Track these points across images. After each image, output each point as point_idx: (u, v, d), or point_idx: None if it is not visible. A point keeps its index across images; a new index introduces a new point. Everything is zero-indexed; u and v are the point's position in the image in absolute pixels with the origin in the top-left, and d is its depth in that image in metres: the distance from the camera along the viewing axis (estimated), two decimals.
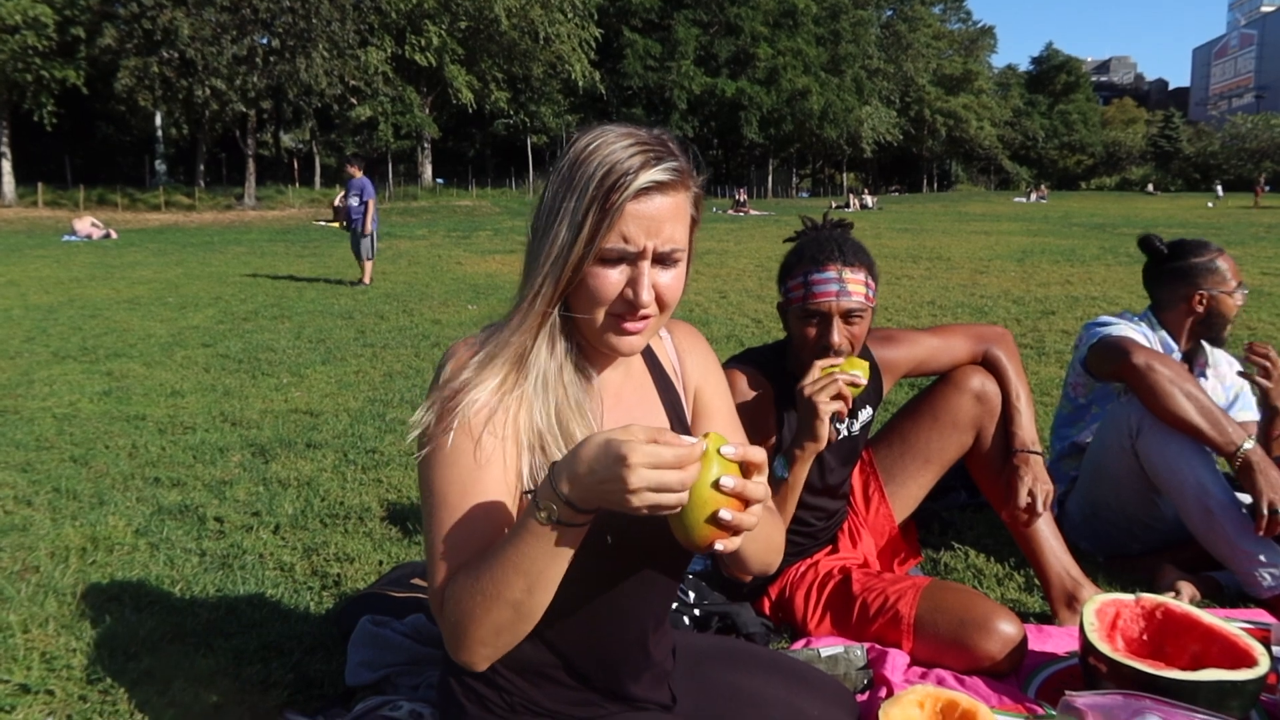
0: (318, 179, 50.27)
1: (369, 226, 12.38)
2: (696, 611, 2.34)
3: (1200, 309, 2.94)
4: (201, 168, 44.24)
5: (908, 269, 13.33)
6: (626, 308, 1.27)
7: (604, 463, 1.07)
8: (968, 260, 14.61)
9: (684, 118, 58.94)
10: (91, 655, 2.37)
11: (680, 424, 1.50)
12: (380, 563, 2.98)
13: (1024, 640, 2.13)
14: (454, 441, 1.27)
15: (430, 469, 1.28)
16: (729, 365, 2.30)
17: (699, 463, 1.09)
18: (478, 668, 1.26)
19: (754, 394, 2.28)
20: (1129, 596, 2.09)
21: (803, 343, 2.20)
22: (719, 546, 1.12)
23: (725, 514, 1.10)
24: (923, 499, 2.69)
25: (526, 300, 1.28)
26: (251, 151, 42.48)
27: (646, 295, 1.25)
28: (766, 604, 2.46)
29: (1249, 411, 3.07)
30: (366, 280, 12.24)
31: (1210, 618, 1.99)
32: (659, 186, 1.24)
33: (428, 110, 48.34)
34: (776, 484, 2.11)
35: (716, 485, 1.10)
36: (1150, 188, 74.46)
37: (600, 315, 1.28)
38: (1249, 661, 1.84)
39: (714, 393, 1.58)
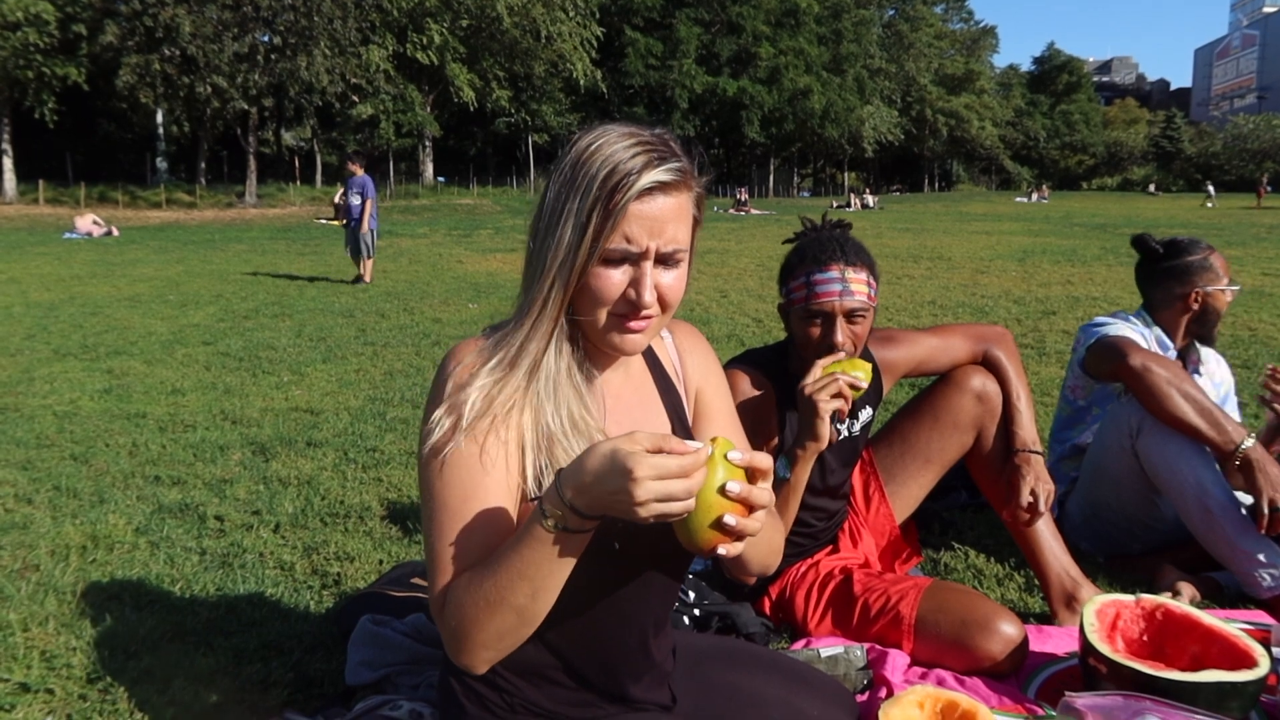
0: (319, 177, 50.24)
1: (366, 224, 12.38)
2: (696, 611, 2.34)
3: (1195, 306, 2.96)
4: (203, 165, 44.26)
5: (909, 269, 13.33)
6: (629, 308, 1.27)
7: (610, 475, 1.07)
8: (969, 260, 14.61)
9: (685, 117, 58.89)
10: (91, 654, 2.37)
11: (681, 424, 1.50)
12: (380, 562, 2.98)
13: (1025, 641, 2.13)
14: (457, 446, 1.27)
15: (431, 472, 1.28)
16: (730, 366, 2.30)
17: (704, 469, 1.09)
18: (478, 671, 1.26)
19: (755, 395, 2.28)
20: (1129, 597, 2.09)
21: (805, 343, 2.20)
22: (722, 551, 1.12)
23: (730, 519, 1.10)
24: (923, 499, 2.69)
25: (536, 305, 1.27)
26: (253, 149, 42.47)
27: (649, 296, 1.25)
28: (767, 604, 2.46)
29: (1234, 412, 3.09)
30: (367, 279, 12.24)
31: (1210, 619, 1.99)
32: (662, 187, 1.24)
33: (429, 108, 48.30)
34: (778, 485, 2.11)
35: (722, 490, 1.10)
36: (1152, 188, 74.37)
37: (603, 316, 1.28)
38: (1249, 663, 1.84)
39: (715, 393, 1.58)
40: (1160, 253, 3.01)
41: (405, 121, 47.38)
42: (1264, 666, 1.82)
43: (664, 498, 1.06)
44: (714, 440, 1.13)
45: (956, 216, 31.91)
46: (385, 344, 7.44)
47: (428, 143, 50.41)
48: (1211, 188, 57.23)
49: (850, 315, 2.14)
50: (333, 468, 4.05)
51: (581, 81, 50.09)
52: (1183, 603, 2.11)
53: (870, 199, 46.90)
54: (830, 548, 2.55)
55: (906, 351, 2.51)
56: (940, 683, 2.10)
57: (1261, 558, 2.49)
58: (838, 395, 1.99)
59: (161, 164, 43.57)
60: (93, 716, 2.09)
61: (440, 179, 52.55)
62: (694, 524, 1.11)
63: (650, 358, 1.52)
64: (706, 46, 61.01)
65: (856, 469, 2.61)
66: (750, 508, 1.12)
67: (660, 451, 1.08)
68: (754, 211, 37.55)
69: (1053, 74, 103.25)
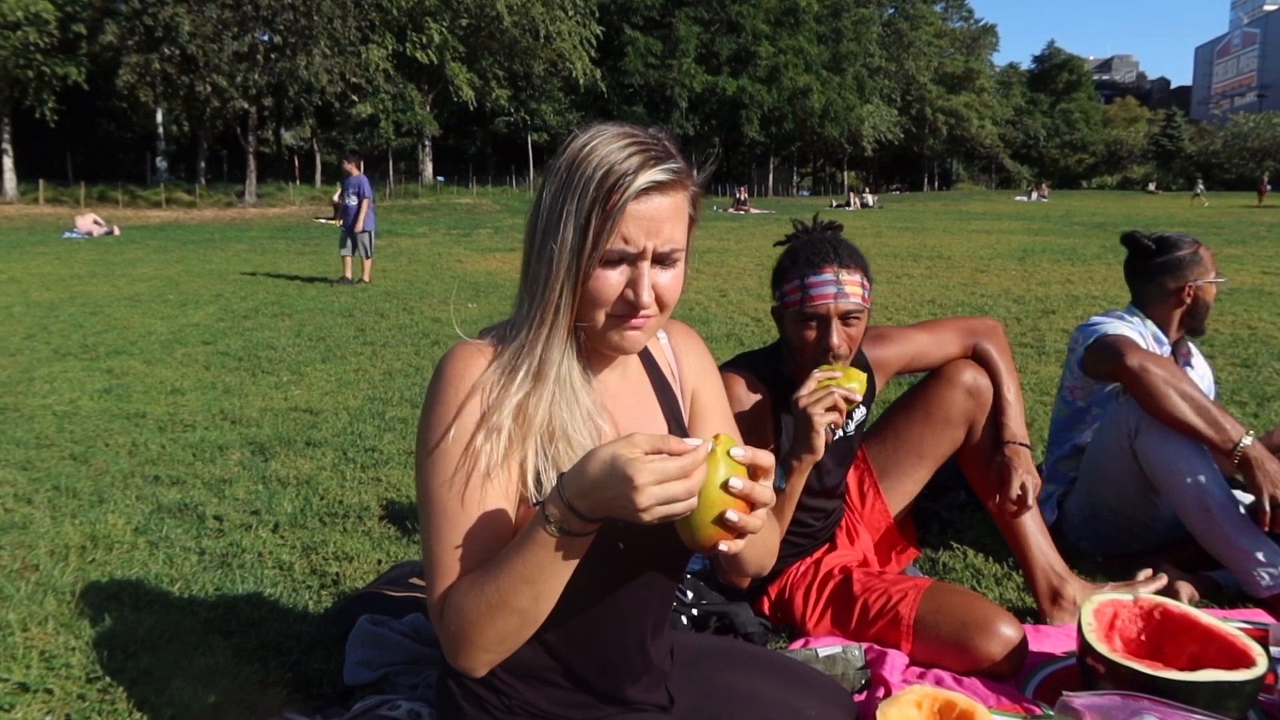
0: (319, 176, 50.25)
1: (361, 224, 12.35)
2: (694, 611, 2.34)
3: (1188, 300, 2.99)
4: (202, 165, 44.26)
5: (908, 268, 13.33)
6: (627, 309, 1.27)
7: (611, 481, 1.08)
8: (968, 259, 14.60)
9: (685, 116, 58.88)
10: (90, 654, 2.37)
11: (678, 425, 1.50)
12: (379, 562, 2.99)
13: (1024, 642, 2.13)
14: (455, 450, 1.27)
15: (429, 475, 1.28)
16: (722, 370, 2.30)
17: (704, 466, 1.10)
18: (477, 674, 1.26)
19: (750, 399, 2.28)
20: (1127, 596, 2.09)
21: (800, 346, 2.20)
22: (723, 547, 1.12)
23: (732, 515, 1.10)
24: (917, 494, 2.69)
25: (551, 311, 1.27)
26: (252, 149, 42.47)
27: (647, 296, 1.25)
28: (766, 604, 2.46)
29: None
30: (367, 278, 12.24)
31: (1208, 618, 1.99)
32: (658, 186, 1.24)
33: (429, 108, 48.29)
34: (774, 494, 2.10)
35: (725, 487, 1.10)
36: (1152, 186, 74.31)
37: (601, 317, 1.28)
38: (1247, 662, 1.84)
39: (711, 393, 1.58)
40: (1153, 249, 3.02)
41: (405, 121, 47.37)
42: (1262, 666, 1.82)
43: (666, 500, 1.07)
44: (716, 437, 1.14)
45: (956, 215, 31.90)
46: (384, 344, 7.44)
47: (427, 142, 50.41)
48: (1201, 184, 57.21)
49: (845, 317, 2.14)
50: (331, 467, 4.05)
51: (581, 81, 50.07)
52: (1181, 602, 2.11)
53: (870, 198, 46.86)
54: (828, 546, 2.55)
55: (898, 349, 2.52)
56: (938, 682, 2.10)
57: (1260, 556, 2.49)
58: (833, 409, 1.97)
59: (161, 163, 43.57)
60: (91, 716, 2.09)
61: (440, 178, 52.54)
62: (696, 520, 1.12)
63: (646, 359, 1.52)
64: (706, 45, 60.99)
65: (851, 466, 2.61)
66: (752, 504, 1.12)
67: (659, 452, 1.08)
68: (753, 211, 37.55)
69: (1053, 72, 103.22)
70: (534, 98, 53.62)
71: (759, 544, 1.45)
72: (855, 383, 2.00)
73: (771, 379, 2.32)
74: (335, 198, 13.46)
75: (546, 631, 1.29)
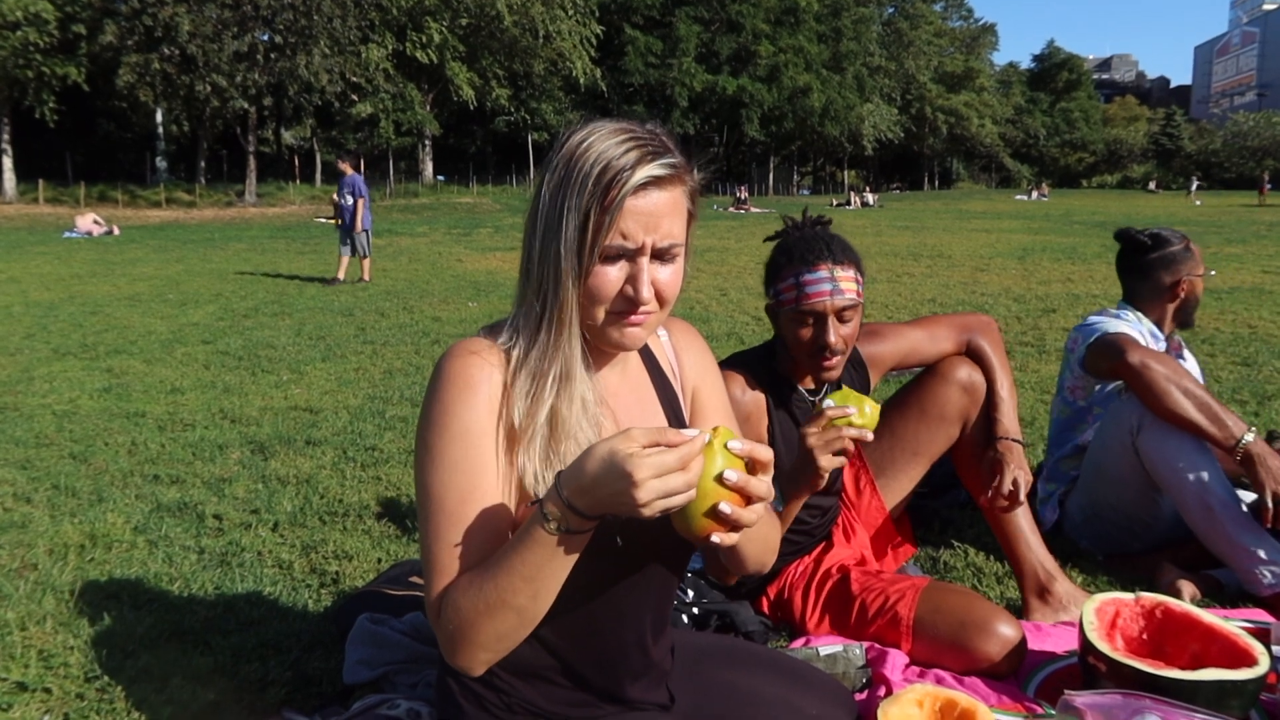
0: (318, 176, 50.23)
1: (360, 224, 12.34)
2: (695, 610, 2.34)
3: (1182, 294, 3.02)
4: (202, 164, 44.24)
5: (909, 267, 13.32)
6: (627, 305, 1.26)
7: (610, 478, 1.07)
8: (969, 258, 14.60)
9: (685, 115, 58.88)
10: (89, 653, 2.37)
11: (679, 423, 1.50)
12: (379, 560, 2.98)
13: (1023, 642, 2.12)
14: (455, 448, 1.26)
15: (428, 474, 1.27)
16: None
17: (702, 457, 1.09)
18: (474, 673, 1.26)
19: (746, 398, 2.28)
20: (1129, 595, 2.09)
21: (796, 344, 2.19)
22: (715, 539, 1.12)
23: (725, 507, 1.10)
24: (913, 490, 2.69)
25: (564, 311, 1.26)
26: (252, 148, 42.47)
27: (647, 292, 1.25)
28: (765, 603, 2.46)
29: None
30: (366, 277, 12.24)
31: (1210, 617, 1.99)
32: (656, 182, 1.23)
33: (429, 107, 48.28)
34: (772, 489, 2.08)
35: (719, 479, 1.10)
36: (1152, 185, 74.20)
37: (601, 314, 1.27)
38: (1249, 661, 1.84)
39: (711, 391, 1.57)
40: (1148, 244, 3.04)
41: (405, 120, 47.35)
42: (1264, 665, 1.82)
43: (666, 494, 1.06)
44: (716, 430, 1.13)
45: (956, 214, 31.90)
46: (384, 342, 7.44)
47: (427, 141, 50.42)
48: (1195, 183, 57.23)
49: (841, 313, 2.14)
50: (331, 466, 4.05)
51: (581, 80, 50.06)
52: (1183, 601, 2.11)
53: (870, 197, 46.86)
54: (825, 543, 2.55)
55: (892, 345, 2.52)
56: (939, 681, 2.10)
57: (1262, 555, 2.48)
58: (841, 452, 1.87)
59: (161, 163, 43.58)
60: (90, 715, 2.09)
61: (440, 177, 52.55)
62: (690, 510, 1.11)
63: (647, 356, 1.51)
64: (706, 45, 60.98)
65: (847, 463, 2.59)
66: (748, 498, 1.12)
67: (656, 445, 1.08)
68: (754, 210, 37.55)
69: (1052, 71, 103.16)
70: (534, 97, 53.61)
71: (758, 540, 1.45)
72: (868, 424, 1.88)
73: (767, 377, 2.32)
74: (335, 197, 13.46)
75: (545, 629, 1.29)
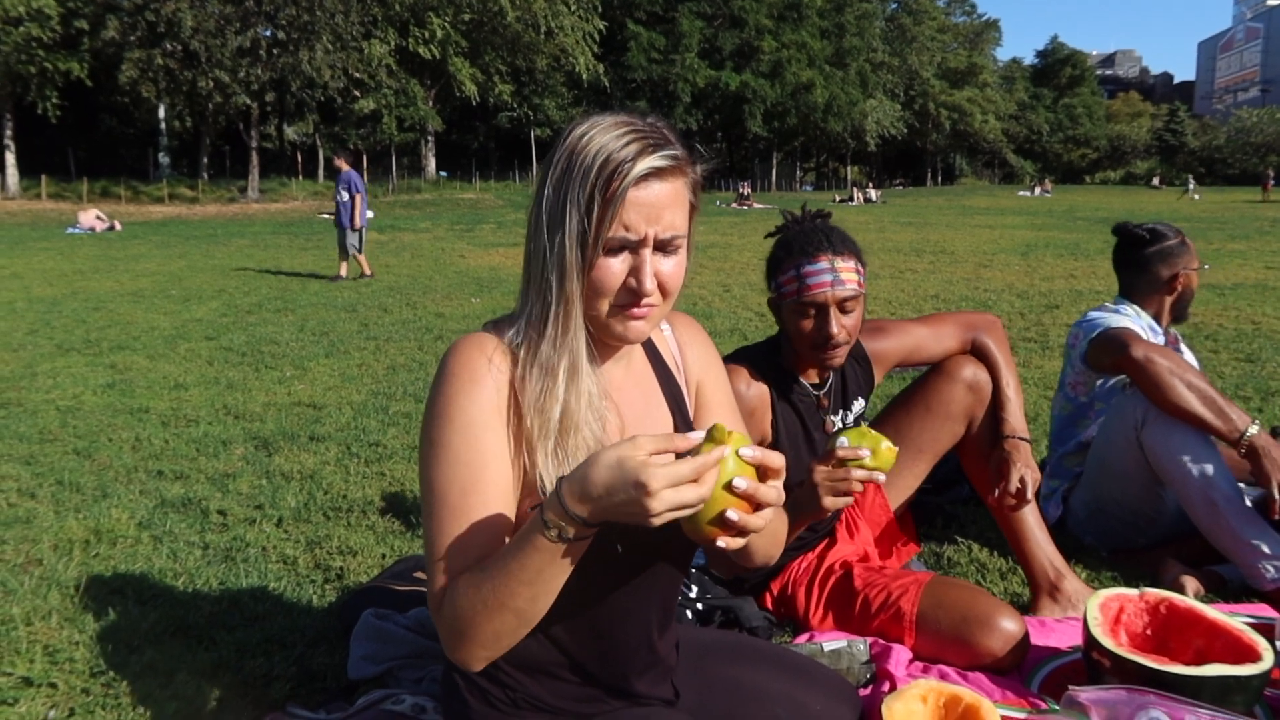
0: (321, 172, 50.18)
1: (358, 221, 12.31)
2: (699, 606, 2.34)
3: (1179, 288, 3.04)
4: (205, 160, 44.23)
5: (911, 263, 13.31)
6: (630, 297, 1.26)
7: (621, 487, 1.06)
8: (972, 254, 14.59)
9: (688, 111, 58.82)
10: (94, 648, 2.37)
11: (683, 418, 1.49)
12: (383, 556, 2.98)
13: (1026, 637, 2.13)
14: (460, 442, 1.26)
15: (431, 467, 1.27)
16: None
17: (716, 469, 1.08)
18: (473, 669, 1.26)
19: (750, 392, 2.28)
20: (1133, 591, 2.09)
21: (799, 336, 2.19)
22: (721, 544, 1.11)
23: (732, 514, 1.09)
24: (917, 488, 2.68)
25: (571, 304, 1.26)
26: (255, 144, 42.46)
27: (650, 284, 1.24)
28: (768, 599, 2.46)
29: None
30: (369, 272, 12.23)
31: (1214, 612, 1.99)
32: (658, 173, 1.23)
33: (431, 103, 48.24)
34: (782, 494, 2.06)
35: (729, 487, 1.09)
36: (1156, 181, 74.04)
37: (604, 307, 1.27)
38: (1253, 656, 1.84)
39: (716, 385, 1.57)
40: (1147, 239, 3.04)
41: (407, 116, 47.32)
42: (1268, 660, 1.82)
43: (678, 505, 1.05)
44: (728, 434, 1.11)
45: (959, 210, 31.86)
46: (388, 339, 7.44)
47: (430, 137, 50.38)
48: (1193, 181, 57.18)
49: (842, 305, 2.14)
50: (335, 462, 4.05)
51: (584, 76, 50.02)
52: (1187, 596, 2.10)
53: (873, 193, 46.77)
54: (828, 540, 2.55)
55: (896, 342, 2.51)
56: (943, 676, 2.10)
57: (1266, 550, 2.48)
58: (846, 494, 1.84)
59: (164, 159, 43.60)
60: (95, 711, 2.09)
61: (442, 173, 52.54)
62: (698, 516, 1.10)
63: (650, 351, 1.51)
64: (709, 40, 60.91)
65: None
66: (756, 505, 1.11)
67: (664, 453, 1.07)
68: (756, 206, 37.54)
69: (1056, 67, 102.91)
70: (537, 93, 53.59)
71: (766, 535, 1.45)
72: (882, 460, 1.82)
73: (772, 371, 2.32)
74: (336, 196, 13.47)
75: (551, 626, 1.29)
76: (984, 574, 2.81)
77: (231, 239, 20.46)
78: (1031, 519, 2.51)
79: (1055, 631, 2.36)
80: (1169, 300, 3.06)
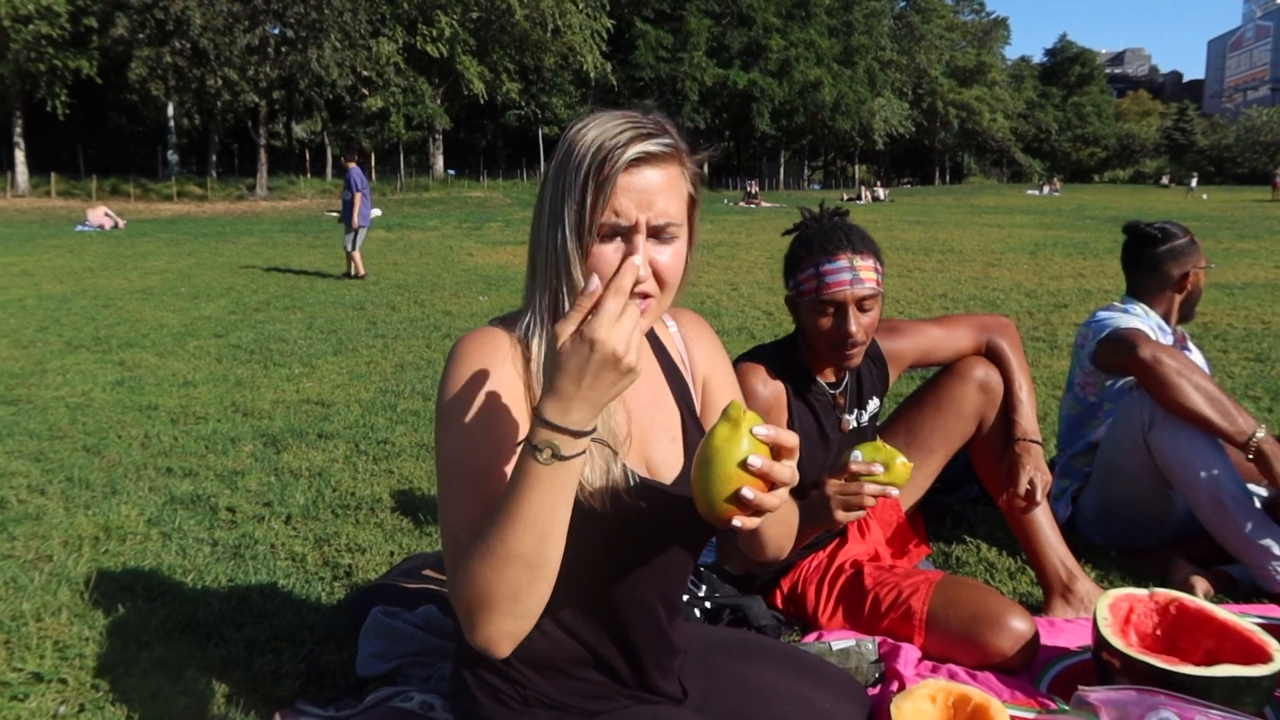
0: (329, 170, 50.29)
1: (356, 220, 12.31)
2: (708, 604, 2.34)
3: (1189, 286, 3.03)
4: (213, 158, 44.34)
5: (920, 261, 13.29)
6: None
7: (583, 361, 1.07)
8: (980, 253, 14.56)
9: (696, 109, 58.84)
10: (104, 644, 2.38)
11: (690, 413, 1.49)
12: (391, 553, 2.99)
13: (1036, 637, 2.12)
14: (473, 424, 1.26)
15: (444, 448, 1.27)
16: (738, 363, 2.30)
17: (634, 268, 1.09)
18: (499, 650, 1.20)
19: (767, 390, 2.28)
20: (1143, 591, 2.08)
21: (816, 334, 2.19)
22: (737, 523, 1.12)
23: (747, 493, 1.10)
24: (928, 488, 2.68)
25: (569, 296, 1.25)
26: (263, 142, 42.53)
27: (644, 269, 1.24)
28: (778, 597, 2.46)
29: None
30: (362, 271, 12.15)
31: (1224, 613, 1.98)
32: (649, 159, 1.23)
33: (439, 101, 48.28)
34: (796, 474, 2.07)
35: (744, 465, 1.10)
36: (1165, 180, 73.85)
37: None
38: (1263, 657, 1.83)
39: (722, 381, 1.57)
40: (1158, 237, 3.03)
41: (415, 114, 47.35)
42: (1279, 661, 1.81)
43: (630, 335, 1.07)
44: (733, 405, 1.13)
45: (967, 209, 31.81)
46: (396, 336, 7.46)
47: (438, 135, 50.45)
48: (1195, 180, 57.08)
49: (861, 303, 2.14)
50: (344, 460, 4.06)
51: (592, 74, 50.06)
52: (1196, 597, 2.10)
53: (881, 192, 46.71)
54: (838, 539, 2.55)
55: (911, 342, 2.51)
56: (952, 676, 2.10)
57: (1275, 550, 2.48)
58: (858, 508, 1.83)
59: (173, 157, 43.69)
60: (105, 706, 2.10)
61: (450, 172, 52.55)
62: (713, 494, 1.11)
63: (657, 347, 1.51)
64: (717, 38, 60.90)
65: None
66: (771, 484, 1.12)
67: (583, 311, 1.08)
68: (764, 204, 37.50)
69: (1065, 66, 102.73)
70: (545, 91, 53.64)
71: (780, 524, 1.45)
72: (896, 474, 1.81)
73: (788, 369, 2.32)
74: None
75: (562, 611, 1.28)
76: (993, 573, 2.81)
77: (240, 237, 20.51)
78: (1043, 519, 2.50)
79: (1065, 631, 2.35)
80: (1179, 299, 3.05)
